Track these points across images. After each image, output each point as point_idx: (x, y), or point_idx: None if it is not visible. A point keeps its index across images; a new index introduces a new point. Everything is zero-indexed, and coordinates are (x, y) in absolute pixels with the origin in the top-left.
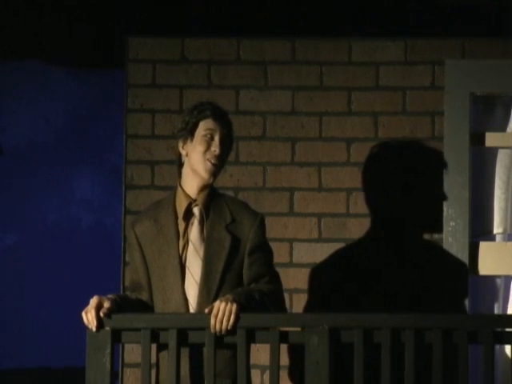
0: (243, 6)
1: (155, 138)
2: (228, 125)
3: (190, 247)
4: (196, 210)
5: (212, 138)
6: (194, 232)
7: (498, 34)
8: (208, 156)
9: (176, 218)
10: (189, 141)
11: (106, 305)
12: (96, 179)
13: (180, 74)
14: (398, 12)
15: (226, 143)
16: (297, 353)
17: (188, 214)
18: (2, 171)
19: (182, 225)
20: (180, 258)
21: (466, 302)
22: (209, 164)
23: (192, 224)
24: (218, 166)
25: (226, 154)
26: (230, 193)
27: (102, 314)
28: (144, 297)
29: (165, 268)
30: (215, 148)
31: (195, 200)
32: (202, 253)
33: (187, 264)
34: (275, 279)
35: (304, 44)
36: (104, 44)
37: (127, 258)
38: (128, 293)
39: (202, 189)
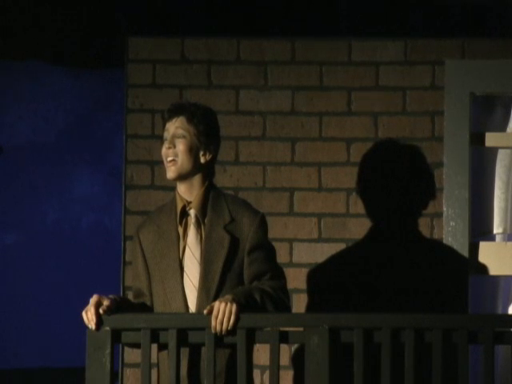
0: (243, 6)
1: (155, 137)
2: (182, 117)
3: (187, 250)
4: (192, 213)
5: (166, 138)
6: (191, 234)
7: (498, 34)
8: (164, 155)
9: (177, 221)
10: None
11: (106, 303)
12: (96, 179)
13: (180, 74)
14: (398, 12)
15: (186, 136)
16: (299, 357)
17: (185, 217)
18: (1, 171)
19: (181, 228)
20: (180, 261)
21: (466, 302)
22: (165, 163)
23: (189, 226)
24: (177, 161)
25: (191, 147)
26: (230, 193)
27: (101, 311)
28: (146, 302)
29: (166, 272)
30: (166, 145)
31: (190, 202)
32: (197, 255)
33: (184, 267)
34: (278, 275)
35: (304, 44)
36: (104, 44)
37: (127, 258)
38: (131, 298)
39: (191, 190)
